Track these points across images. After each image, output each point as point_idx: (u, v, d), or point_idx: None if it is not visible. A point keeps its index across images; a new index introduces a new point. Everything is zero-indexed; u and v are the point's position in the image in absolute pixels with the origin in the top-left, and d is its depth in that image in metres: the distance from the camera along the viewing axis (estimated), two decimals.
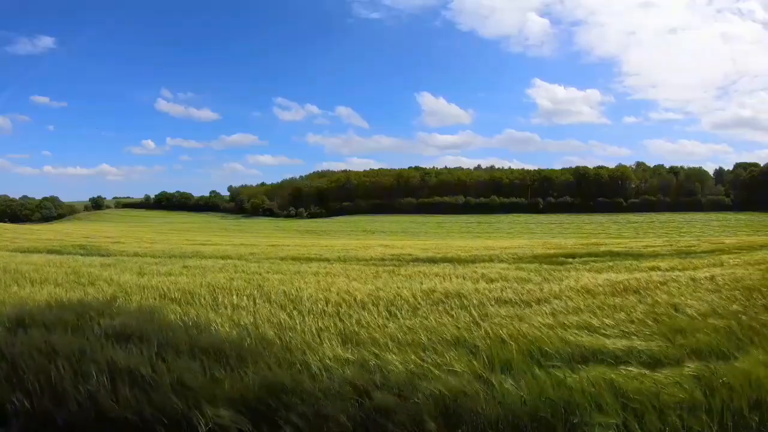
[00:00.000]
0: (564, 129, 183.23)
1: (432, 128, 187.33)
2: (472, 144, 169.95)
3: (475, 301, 5.99)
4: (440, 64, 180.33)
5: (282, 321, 4.98)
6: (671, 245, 17.21)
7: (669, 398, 2.84)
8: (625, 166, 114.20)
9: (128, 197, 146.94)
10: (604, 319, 4.80)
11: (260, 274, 9.46)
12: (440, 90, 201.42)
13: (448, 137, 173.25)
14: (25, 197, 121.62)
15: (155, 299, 6.40)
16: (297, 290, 6.84)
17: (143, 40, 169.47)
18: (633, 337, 4.14)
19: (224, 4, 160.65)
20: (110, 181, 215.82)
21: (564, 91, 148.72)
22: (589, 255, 14.04)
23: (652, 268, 9.78)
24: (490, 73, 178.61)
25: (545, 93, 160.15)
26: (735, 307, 5.20)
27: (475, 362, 3.54)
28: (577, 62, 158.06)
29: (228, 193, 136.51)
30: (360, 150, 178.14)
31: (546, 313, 5.23)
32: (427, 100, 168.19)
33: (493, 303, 5.95)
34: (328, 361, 3.60)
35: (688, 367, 3.28)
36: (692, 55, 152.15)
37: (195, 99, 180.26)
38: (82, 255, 16.25)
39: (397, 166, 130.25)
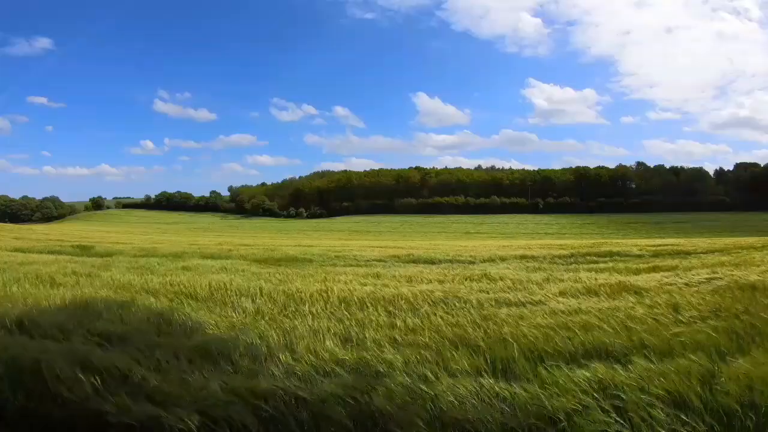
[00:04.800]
0: (561, 129, 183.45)
1: (429, 128, 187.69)
2: (470, 144, 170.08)
3: (475, 302, 5.98)
4: (435, 65, 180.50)
5: (281, 321, 4.98)
6: (671, 245, 17.17)
7: (668, 398, 2.83)
8: (625, 166, 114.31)
9: (128, 197, 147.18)
10: (604, 319, 4.79)
11: (260, 274, 9.45)
12: (436, 90, 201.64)
13: (446, 137, 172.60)
14: (25, 197, 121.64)
15: (155, 299, 6.39)
16: (296, 290, 6.83)
17: (139, 40, 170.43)
18: (633, 337, 4.13)
19: (218, 4, 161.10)
20: (110, 182, 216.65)
21: (560, 91, 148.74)
22: (589, 255, 14.02)
23: (653, 269, 9.75)
24: (485, 73, 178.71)
25: (541, 93, 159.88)
26: (736, 306, 5.18)
27: (475, 363, 3.54)
28: (573, 62, 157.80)
29: (228, 194, 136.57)
30: (358, 150, 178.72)
31: (546, 313, 5.23)
32: (422, 100, 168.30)
33: (493, 303, 5.94)
34: (328, 362, 3.60)
35: (689, 365, 3.27)
36: (689, 54, 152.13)
37: (192, 99, 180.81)
38: (82, 255, 16.26)
39: (396, 166, 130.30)
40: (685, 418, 2.63)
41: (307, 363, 3.57)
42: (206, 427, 2.71)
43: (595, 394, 2.89)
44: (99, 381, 3.18)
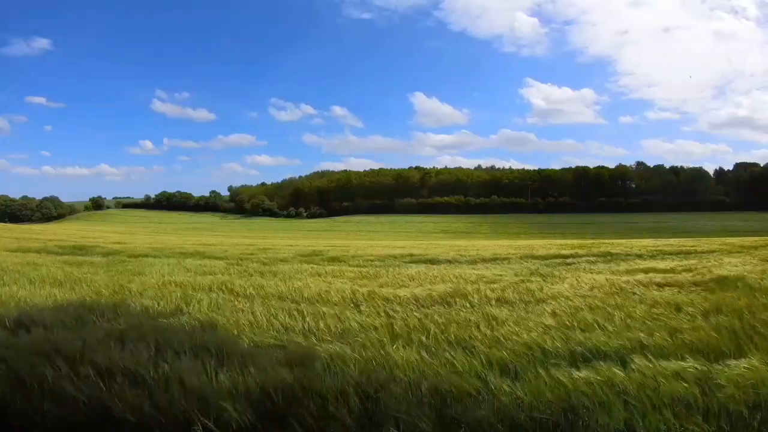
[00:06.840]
0: (560, 129, 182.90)
1: (427, 128, 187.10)
2: (469, 144, 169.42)
3: (475, 302, 5.98)
4: (433, 65, 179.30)
5: (281, 321, 4.98)
6: (672, 245, 17.17)
7: (670, 397, 2.83)
8: (625, 166, 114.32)
9: (128, 197, 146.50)
10: (605, 319, 4.79)
11: (260, 274, 9.45)
12: (434, 90, 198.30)
13: (444, 137, 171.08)
14: (25, 197, 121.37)
15: (154, 299, 6.39)
16: (296, 290, 6.83)
17: (137, 40, 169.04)
18: (633, 336, 4.13)
19: (216, 4, 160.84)
20: (110, 182, 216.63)
21: (558, 90, 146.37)
22: (590, 255, 14.00)
23: (653, 269, 9.75)
24: (483, 73, 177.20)
25: (539, 93, 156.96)
26: (736, 306, 5.19)
27: (474, 362, 3.53)
28: (571, 62, 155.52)
29: (228, 193, 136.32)
30: (357, 150, 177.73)
31: (546, 313, 5.23)
32: (420, 100, 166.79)
33: (493, 303, 5.94)
34: (329, 362, 3.60)
35: (689, 365, 3.27)
36: (687, 54, 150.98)
37: (191, 99, 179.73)
38: (81, 255, 16.24)
39: (396, 166, 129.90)
40: (690, 416, 2.63)
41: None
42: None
43: (600, 392, 2.89)
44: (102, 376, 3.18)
